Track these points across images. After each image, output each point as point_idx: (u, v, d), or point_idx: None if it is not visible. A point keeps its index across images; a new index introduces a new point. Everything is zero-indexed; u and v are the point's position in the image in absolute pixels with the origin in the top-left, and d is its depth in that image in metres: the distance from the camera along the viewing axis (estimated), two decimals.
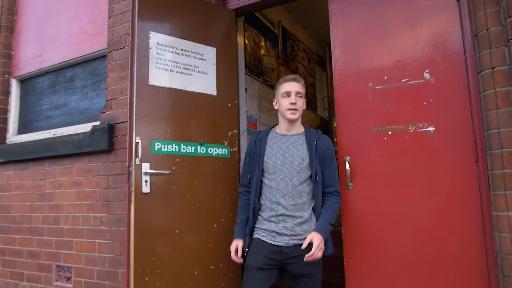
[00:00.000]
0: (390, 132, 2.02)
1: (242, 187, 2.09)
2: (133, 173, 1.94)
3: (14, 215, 3.18)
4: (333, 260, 3.88)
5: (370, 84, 2.08)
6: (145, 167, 1.96)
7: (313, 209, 1.93)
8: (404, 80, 2.00)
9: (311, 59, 4.77)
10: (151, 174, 1.97)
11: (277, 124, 2.08)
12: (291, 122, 1.98)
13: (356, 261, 2.08)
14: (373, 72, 2.09)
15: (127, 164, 1.97)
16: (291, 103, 1.94)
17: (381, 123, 2.04)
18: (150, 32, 2.11)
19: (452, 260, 1.84)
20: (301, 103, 2.00)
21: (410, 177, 1.96)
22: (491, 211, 1.73)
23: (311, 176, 1.92)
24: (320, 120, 4.90)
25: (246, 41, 3.08)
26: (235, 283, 2.24)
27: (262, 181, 1.99)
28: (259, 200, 1.99)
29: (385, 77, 2.05)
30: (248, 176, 2.06)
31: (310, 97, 4.58)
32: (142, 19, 2.09)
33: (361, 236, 2.07)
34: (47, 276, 2.91)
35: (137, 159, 1.94)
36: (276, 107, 2.04)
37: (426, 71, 1.95)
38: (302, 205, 1.90)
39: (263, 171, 1.99)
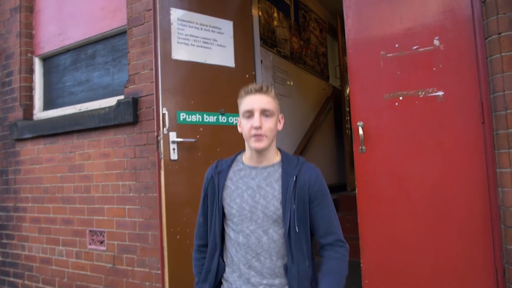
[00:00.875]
0: (401, 98, 2.13)
1: (198, 239, 1.54)
2: (162, 142, 2.10)
3: (47, 186, 3.40)
4: (347, 223, 4.08)
5: (382, 52, 2.18)
6: (172, 136, 2.12)
7: (289, 274, 1.37)
8: (414, 47, 2.10)
9: (322, 29, 4.81)
10: (178, 143, 2.13)
11: (242, 151, 1.53)
12: (259, 152, 1.41)
13: (370, 219, 2.24)
14: (384, 41, 2.18)
15: (156, 134, 2.14)
16: (254, 128, 1.35)
17: (393, 89, 2.15)
18: (170, 8, 2.22)
19: (458, 214, 1.99)
20: (271, 125, 1.38)
21: (420, 139, 2.09)
22: (495, 168, 1.86)
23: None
24: (332, 89, 4.99)
25: (260, 13, 3.16)
26: None
27: (225, 231, 1.47)
28: (223, 259, 1.47)
29: (396, 45, 2.14)
30: (204, 223, 1.51)
31: (322, 66, 4.66)
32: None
33: (374, 196, 2.22)
34: (81, 240, 3.15)
35: (164, 128, 2.10)
36: (239, 130, 1.47)
37: (436, 38, 2.04)
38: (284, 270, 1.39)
39: (224, 218, 1.46)
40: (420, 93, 2.08)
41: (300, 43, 4.07)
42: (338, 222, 1.42)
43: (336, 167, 4.98)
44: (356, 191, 2.28)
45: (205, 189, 1.49)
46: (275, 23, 3.48)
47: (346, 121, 5.10)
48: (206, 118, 2.26)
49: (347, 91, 5.22)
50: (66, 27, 3.50)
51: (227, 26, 2.41)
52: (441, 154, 2.04)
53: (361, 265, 2.25)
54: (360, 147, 2.24)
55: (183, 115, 2.17)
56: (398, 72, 2.14)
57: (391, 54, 2.16)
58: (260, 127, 1.35)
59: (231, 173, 1.46)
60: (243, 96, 1.42)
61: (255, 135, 1.36)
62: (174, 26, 2.20)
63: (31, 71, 3.74)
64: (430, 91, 2.05)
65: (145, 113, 2.73)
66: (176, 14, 2.22)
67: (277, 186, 1.40)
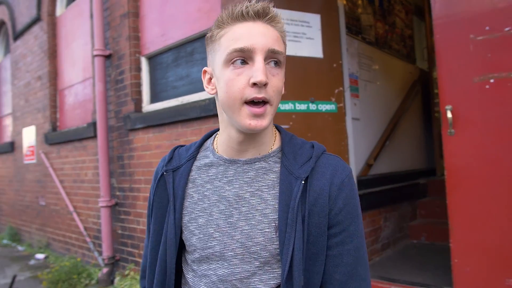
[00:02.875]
0: (492, 80, 2.14)
1: (144, 276, 1.02)
2: None
3: None
4: (436, 207, 4.06)
5: (471, 35, 2.19)
6: None
7: None
8: (506, 28, 2.08)
9: (408, 10, 4.72)
10: None
11: (217, 131, 0.99)
12: (250, 135, 0.85)
13: (458, 200, 2.29)
14: (474, 23, 2.19)
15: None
16: (254, 84, 0.78)
17: (483, 72, 2.16)
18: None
19: None
20: (279, 83, 0.82)
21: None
22: None
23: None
24: (420, 72, 4.89)
25: (345, 2, 3.27)
26: None
27: (182, 265, 0.95)
28: None
29: (487, 28, 2.14)
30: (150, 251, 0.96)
31: (409, 49, 4.59)
32: None
33: (463, 178, 2.27)
34: None
35: None
36: (210, 92, 0.91)
37: None
38: None
39: (179, 246, 0.92)
40: None
41: (385, 27, 4.07)
42: (368, 276, 0.84)
43: (425, 151, 4.90)
44: (445, 173, 2.34)
45: (150, 198, 0.95)
46: (359, 10, 3.55)
47: (435, 104, 4.97)
48: (298, 106, 2.47)
49: (435, 74, 5.07)
50: (168, 29, 3.94)
51: (315, 19, 2.59)
52: None
53: (450, 244, 2.32)
54: (448, 130, 2.29)
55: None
56: (489, 55, 2.14)
57: (481, 37, 2.17)
58: (265, 84, 0.77)
59: (194, 171, 0.91)
60: (228, 23, 0.82)
61: (254, 103, 0.78)
62: None
63: (139, 69, 4.27)
64: None
65: None
66: None
67: (271, 198, 0.83)
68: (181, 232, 0.91)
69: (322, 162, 0.85)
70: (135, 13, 4.27)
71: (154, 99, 4.23)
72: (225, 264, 0.84)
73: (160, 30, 4.03)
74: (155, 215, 0.93)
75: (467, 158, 2.25)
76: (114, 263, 4.37)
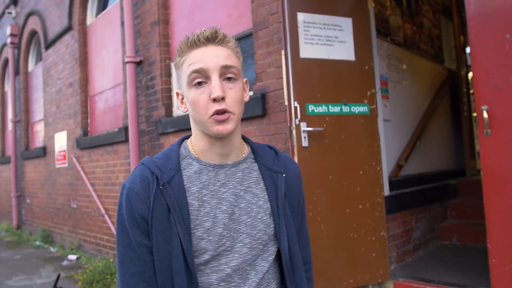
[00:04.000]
0: None
1: None
2: (294, 131, 2.42)
3: None
4: (467, 208, 4.02)
5: (508, 36, 2.19)
6: (303, 126, 2.43)
7: None
8: None
9: (435, 10, 4.70)
10: (308, 131, 2.43)
11: (186, 138, 1.06)
12: (223, 140, 0.97)
13: (496, 200, 2.29)
14: (510, 23, 2.19)
15: (288, 124, 2.46)
16: (213, 99, 0.90)
17: None
18: (297, 12, 2.51)
19: None
20: (237, 94, 0.94)
21: None
22: None
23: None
24: (448, 72, 4.85)
25: (374, 5, 3.30)
26: (379, 220, 2.64)
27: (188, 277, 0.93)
28: None
29: None
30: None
31: (436, 49, 4.57)
32: (290, 2, 2.50)
33: (501, 178, 2.26)
34: None
35: (296, 119, 2.42)
36: (184, 110, 1.02)
37: None
38: None
39: (187, 259, 0.92)
40: None
41: (413, 28, 4.07)
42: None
43: (454, 152, 4.85)
44: (482, 173, 2.34)
45: (139, 212, 0.92)
46: (388, 12, 3.57)
47: (464, 104, 4.92)
48: (331, 109, 2.52)
49: (463, 73, 5.02)
50: None
51: (346, 23, 2.63)
52: None
53: (488, 245, 2.32)
54: (484, 130, 2.29)
55: (311, 107, 2.47)
56: None
57: None
58: (223, 98, 0.90)
59: (185, 180, 0.97)
60: (186, 51, 0.95)
61: (217, 113, 0.90)
62: (301, 28, 2.49)
63: (169, 75, 4.38)
64: None
65: (272, 107, 3.09)
66: (301, 17, 2.51)
67: (259, 191, 1.01)
68: (190, 240, 0.93)
69: (283, 158, 1.11)
70: (165, 20, 4.39)
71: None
72: (236, 255, 0.97)
73: None
74: (156, 233, 0.91)
75: (504, 158, 2.25)
76: None
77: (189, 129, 3.79)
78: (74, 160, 5.92)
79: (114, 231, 5.06)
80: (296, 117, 2.41)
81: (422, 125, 4.03)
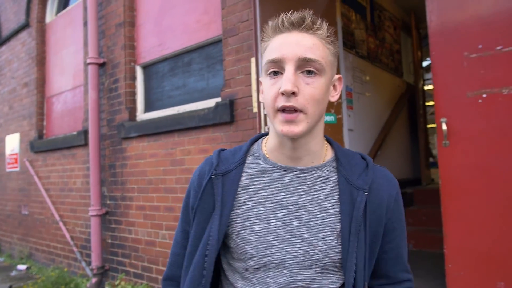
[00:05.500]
0: (484, 95, 2.28)
1: (170, 283, 1.00)
2: None
3: (151, 178, 3.91)
4: (422, 216, 4.20)
5: (465, 53, 2.34)
6: None
7: None
8: (498, 47, 2.23)
9: (396, 26, 4.93)
10: None
11: (266, 134, 0.99)
12: (294, 141, 0.87)
13: (453, 209, 2.41)
14: (467, 42, 2.34)
15: (257, 132, 2.47)
16: (282, 94, 0.81)
17: (476, 88, 2.30)
18: (269, 21, 2.54)
19: None
20: (315, 91, 0.82)
21: (504, 134, 2.23)
22: None
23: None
24: (406, 85, 5.08)
25: (341, 18, 3.41)
26: None
27: (224, 273, 0.95)
28: None
29: (480, 46, 2.29)
30: (185, 260, 0.94)
31: (397, 63, 4.78)
32: (261, 10, 2.53)
33: (457, 187, 2.39)
34: None
35: (266, 127, 2.43)
36: (262, 100, 0.93)
37: None
38: None
39: (225, 252, 0.95)
40: (504, 91, 2.22)
41: (376, 42, 4.24)
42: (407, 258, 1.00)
43: (411, 162, 5.07)
44: (440, 182, 2.45)
45: (191, 198, 0.95)
46: (353, 25, 3.70)
47: (420, 116, 5.16)
48: None
49: (420, 86, 5.28)
50: (165, 39, 3.98)
51: None
52: None
53: (445, 250, 2.43)
54: (443, 142, 2.41)
55: None
56: (482, 71, 2.28)
57: (474, 55, 2.31)
58: (294, 93, 0.79)
59: (244, 177, 0.91)
60: (269, 36, 0.87)
61: (284, 110, 0.80)
62: None
63: (133, 78, 4.28)
64: None
65: (240, 114, 3.10)
66: None
67: (331, 206, 0.87)
68: (230, 239, 0.90)
69: (377, 174, 0.92)
70: (131, 23, 4.30)
71: (148, 108, 4.24)
72: (286, 272, 0.85)
73: (157, 40, 4.07)
74: (197, 220, 0.91)
75: (460, 168, 2.38)
76: (103, 273, 4.32)
77: (155, 133, 3.71)
78: (27, 164, 5.62)
79: (69, 239, 4.84)
80: (265, 124, 2.42)
81: (383, 135, 4.19)
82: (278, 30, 0.85)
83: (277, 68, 0.83)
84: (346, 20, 3.52)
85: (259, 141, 0.99)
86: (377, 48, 4.27)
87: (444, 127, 2.40)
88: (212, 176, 0.91)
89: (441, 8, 2.44)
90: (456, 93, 2.38)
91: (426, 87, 5.70)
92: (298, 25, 0.84)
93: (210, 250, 0.87)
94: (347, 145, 3.03)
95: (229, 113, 3.09)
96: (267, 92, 0.84)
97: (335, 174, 0.91)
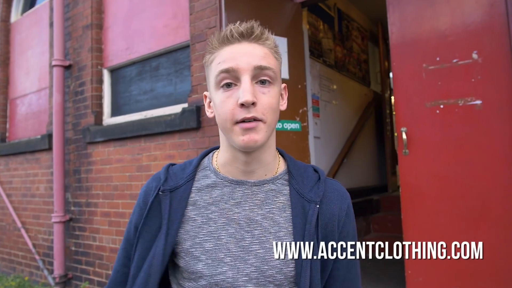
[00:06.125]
0: (442, 106, 2.36)
1: None
2: None
3: (116, 184, 3.83)
4: (388, 222, 4.28)
5: (424, 65, 2.41)
6: None
7: None
8: (454, 60, 2.32)
9: (364, 37, 5.04)
10: None
11: (217, 148, 0.96)
12: (250, 154, 0.85)
13: (412, 216, 2.47)
14: (426, 54, 2.42)
15: None
16: (241, 105, 0.79)
17: (434, 98, 2.38)
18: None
19: (495, 211, 2.19)
20: (272, 100, 0.82)
21: (459, 144, 2.31)
22: None
23: None
24: (373, 94, 5.20)
25: (308, 27, 3.45)
26: None
27: None
28: None
29: (437, 58, 2.37)
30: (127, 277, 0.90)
31: (364, 73, 4.89)
32: (227, 17, 2.54)
33: (417, 194, 2.45)
34: None
35: None
36: (210, 115, 0.92)
37: (475, 52, 2.25)
38: None
39: (174, 272, 0.91)
40: (459, 102, 2.30)
41: (344, 51, 4.33)
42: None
43: (377, 169, 5.18)
44: (400, 190, 2.51)
45: (136, 216, 0.91)
46: (321, 34, 3.76)
47: (387, 124, 5.29)
48: None
49: (387, 96, 5.42)
50: (133, 42, 3.93)
51: (282, 42, 2.72)
52: (478, 156, 2.25)
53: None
54: (403, 150, 2.48)
55: None
56: (439, 83, 2.36)
57: (432, 67, 2.39)
58: (253, 103, 0.78)
59: (194, 192, 0.87)
60: (216, 47, 0.84)
61: (244, 121, 0.78)
62: None
63: (100, 81, 4.20)
64: (469, 100, 2.27)
65: (207, 120, 3.08)
66: None
67: (283, 220, 0.85)
68: (179, 258, 0.85)
69: (328, 187, 0.90)
70: (99, 25, 4.22)
71: (115, 112, 4.17)
72: None
73: (125, 44, 4.01)
74: (142, 240, 0.86)
75: (419, 176, 2.44)
76: (66, 282, 4.18)
77: (121, 138, 3.64)
78: None
79: (31, 247, 4.67)
80: None
81: (350, 143, 4.26)
82: (227, 41, 0.82)
83: (231, 80, 0.80)
84: (313, 29, 3.57)
85: (210, 155, 0.95)
86: (344, 57, 4.35)
87: (404, 136, 2.46)
88: (160, 193, 0.87)
89: (402, 21, 2.52)
90: (415, 103, 2.45)
91: (393, 97, 5.85)
92: (248, 36, 0.82)
93: (154, 270, 0.82)
94: (313, 152, 3.07)
95: (196, 119, 3.08)
96: (222, 106, 0.80)
97: (287, 187, 0.88)
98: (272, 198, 0.86)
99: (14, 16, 5.57)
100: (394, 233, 4.21)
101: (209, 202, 0.86)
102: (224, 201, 0.85)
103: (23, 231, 4.81)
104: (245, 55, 0.80)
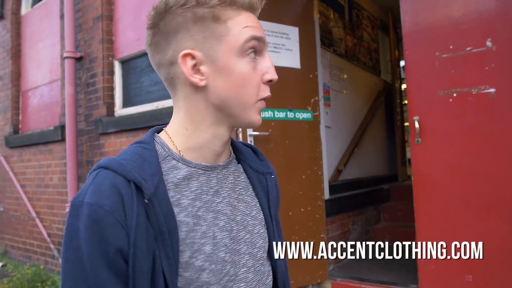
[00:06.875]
0: (455, 94, 2.35)
1: None
2: (241, 135, 2.46)
3: None
4: (398, 211, 4.29)
5: (437, 53, 2.40)
6: (249, 130, 2.47)
7: None
8: (468, 48, 2.30)
9: (374, 25, 5.00)
10: (254, 136, 2.48)
11: (159, 130, 0.82)
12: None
13: (424, 204, 2.48)
14: (439, 43, 2.40)
15: (235, 129, 2.49)
16: (269, 82, 0.73)
17: (447, 87, 2.37)
18: None
19: (508, 199, 2.20)
20: None
21: (472, 132, 2.31)
22: None
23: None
24: (384, 83, 5.17)
25: (319, 16, 3.44)
26: (320, 223, 2.75)
27: None
28: None
29: (451, 47, 2.36)
30: None
31: (374, 62, 4.86)
32: None
33: (429, 183, 2.46)
34: None
35: None
36: (199, 83, 0.70)
37: (489, 39, 2.24)
38: None
39: None
40: (473, 90, 2.29)
41: (354, 41, 4.30)
42: None
43: (387, 159, 5.17)
44: (412, 179, 2.52)
45: (114, 239, 0.60)
46: (331, 24, 3.74)
47: (397, 114, 5.27)
48: (277, 114, 2.59)
49: (397, 85, 5.38)
50: (143, 33, 3.92)
51: (293, 31, 2.72)
52: (491, 145, 2.25)
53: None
54: (416, 139, 2.48)
55: None
56: (452, 71, 2.35)
57: (445, 55, 2.38)
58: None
59: (172, 190, 0.70)
60: (227, 4, 0.69)
61: (265, 98, 0.74)
62: None
63: (112, 73, 4.23)
64: (482, 88, 2.26)
65: None
66: None
67: (250, 199, 0.81)
68: (177, 277, 0.66)
69: (264, 157, 0.90)
70: (109, 16, 4.24)
71: (127, 103, 4.20)
72: (242, 284, 0.74)
73: (135, 35, 4.02)
74: (139, 271, 0.61)
75: (432, 165, 2.45)
76: None
77: (134, 129, 3.70)
78: (2, 159, 5.50)
79: (45, 236, 4.77)
80: None
81: (360, 133, 4.26)
82: (247, 7, 0.71)
83: (257, 47, 0.71)
84: (324, 18, 3.56)
85: (159, 140, 0.74)
86: (354, 46, 4.33)
87: (417, 125, 2.46)
88: (146, 201, 0.63)
89: (415, 9, 2.50)
90: (428, 92, 2.44)
91: (403, 86, 5.82)
92: (256, 9, 0.74)
93: None
94: (324, 142, 3.08)
95: None
96: (250, 78, 0.69)
97: (240, 165, 0.83)
98: (237, 179, 0.80)
99: (25, 8, 5.61)
100: (404, 221, 4.22)
101: (192, 198, 0.70)
102: (205, 193, 0.72)
103: (37, 221, 4.90)
104: (260, 27, 0.72)
